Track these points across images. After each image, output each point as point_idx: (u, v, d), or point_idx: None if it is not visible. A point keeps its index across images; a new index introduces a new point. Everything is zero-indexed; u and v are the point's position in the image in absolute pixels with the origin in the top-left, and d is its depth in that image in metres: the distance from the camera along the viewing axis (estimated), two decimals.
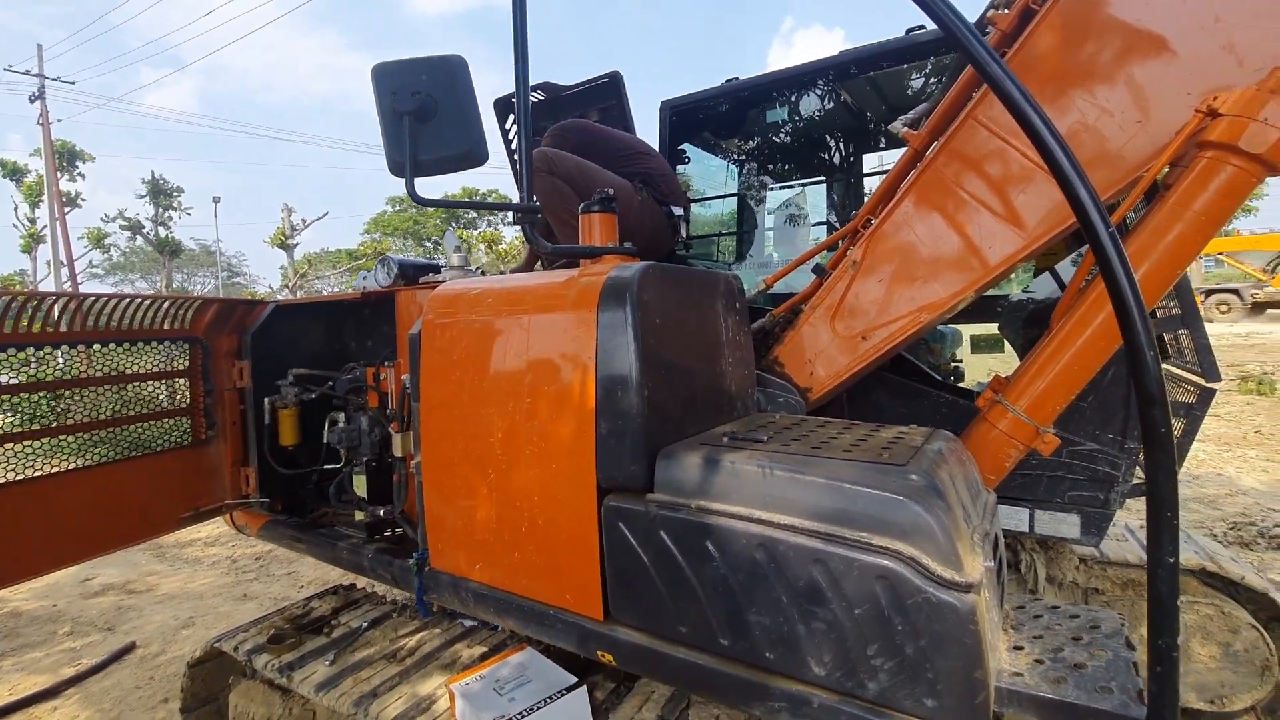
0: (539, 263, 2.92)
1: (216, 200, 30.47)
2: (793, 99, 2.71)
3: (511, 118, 3.81)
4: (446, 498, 1.70)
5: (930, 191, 1.78)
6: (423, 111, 1.45)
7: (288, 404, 2.56)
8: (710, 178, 3.31)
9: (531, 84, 3.65)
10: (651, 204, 2.55)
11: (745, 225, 3.31)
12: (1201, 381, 1.99)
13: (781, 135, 3.08)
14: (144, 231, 28.24)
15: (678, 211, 2.64)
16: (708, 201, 3.46)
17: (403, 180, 1.42)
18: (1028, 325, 2.15)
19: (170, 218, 29.80)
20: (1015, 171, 1.67)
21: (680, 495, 1.26)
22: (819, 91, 2.68)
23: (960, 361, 3.01)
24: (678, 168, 3.09)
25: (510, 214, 1.67)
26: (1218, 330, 19.29)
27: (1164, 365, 2.42)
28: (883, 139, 3.09)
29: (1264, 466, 5.83)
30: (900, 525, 1.04)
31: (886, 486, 1.07)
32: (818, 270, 2.02)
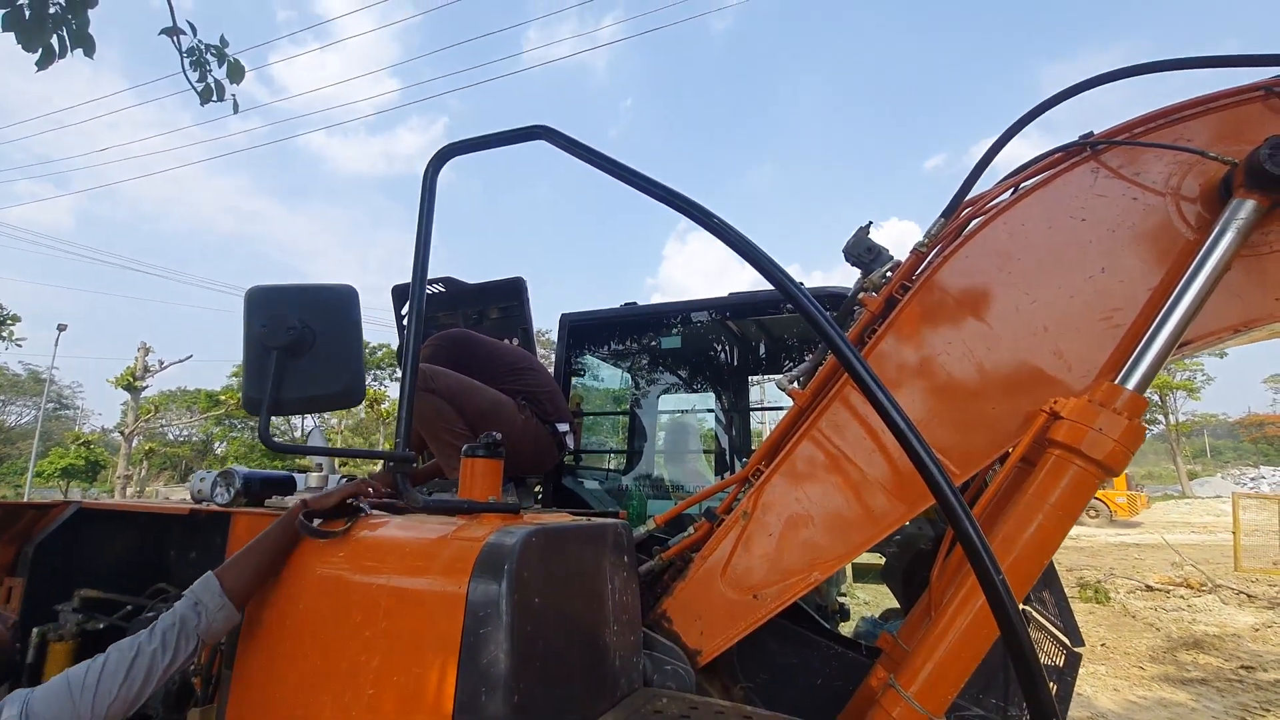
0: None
1: (62, 328, 27.51)
2: (683, 328, 2.87)
3: (408, 305, 3.75)
4: None
5: (815, 450, 1.83)
6: (296, 346, 1.34)
7: (64, 636, 2.04)
8: (610, 387, 3.35)
9: (435, 277, 3.67)
10: (534, 422, 2.49)
11: (637, 440, 3.32)
12: (1068, 643, 2.04)
13: (673, 359, 3.22)
14: None
15: (563, 428, 2.58)
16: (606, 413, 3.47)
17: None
18: (908, 577, 2.17)
19: None
20: (891, 442, 1.77)
21: None
22: (708, 324, 2.87)
23: (845, 597, 3.00)
24: (574, 379, 3.10)
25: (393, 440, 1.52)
26: None
27: (1028, 609, 2.51)
28: (766, 368, 3.30)
29: (1114, 685, 6.10)
30: None
31: None
32: (709, 515, 1.97)
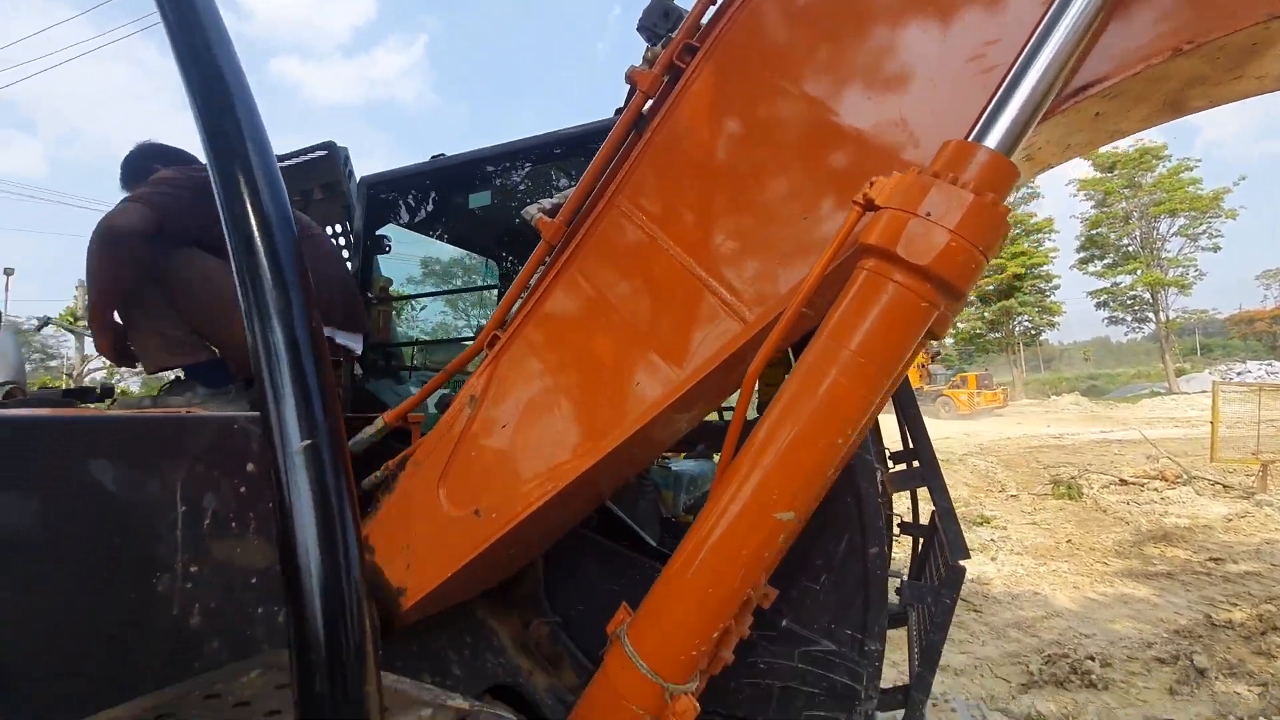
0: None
1: (9, 272, 26.56)
2: (506, 179, 2.22)
3: None
4: None
5: (566, 303, 1.25)
6: None
7: None
8: (426, 262, 2.72)
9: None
10: None
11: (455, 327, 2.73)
12: (949, 558, 1.53)
13: (492, 220, 2.58)
14: None
15: (344, 340, 1.98)
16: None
17: None
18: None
19: None
20: (666, 278, 1.18)
21: None
22: (530, 173, 2.22)
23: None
24: (378, 258, 2.48)
25: None
26: (1036, 431, 21.16)
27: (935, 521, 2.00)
28: None
29: (1075, 582, 5.83)
30: None
31: None
32: (443, 405, 1.41)
